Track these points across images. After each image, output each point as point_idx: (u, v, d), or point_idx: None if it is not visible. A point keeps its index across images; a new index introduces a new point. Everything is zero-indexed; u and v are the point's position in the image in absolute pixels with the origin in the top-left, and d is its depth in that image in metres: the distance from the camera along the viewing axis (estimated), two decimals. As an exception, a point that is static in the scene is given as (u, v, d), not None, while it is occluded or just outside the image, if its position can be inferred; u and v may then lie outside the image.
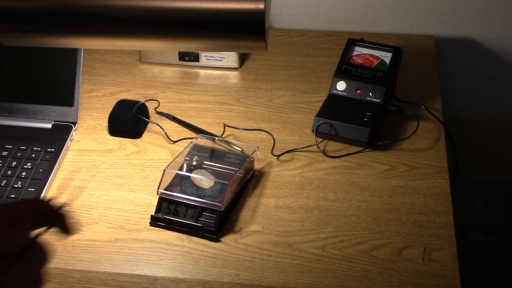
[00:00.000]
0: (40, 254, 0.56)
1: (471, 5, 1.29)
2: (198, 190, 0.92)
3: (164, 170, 0.92)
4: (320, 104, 1.09)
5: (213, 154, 0.99)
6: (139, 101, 1.10)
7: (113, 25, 0.74)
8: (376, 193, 0.96)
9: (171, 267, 0.86)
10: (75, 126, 1.08)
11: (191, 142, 1.01)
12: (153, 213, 0.92)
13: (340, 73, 1.10)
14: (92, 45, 0.80)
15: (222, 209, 0.89)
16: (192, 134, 1.07)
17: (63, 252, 0.89)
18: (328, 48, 1.28)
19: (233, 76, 1.22)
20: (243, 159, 0.97)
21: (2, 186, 0.96)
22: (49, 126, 1.07)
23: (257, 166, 1.00)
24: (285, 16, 1.35)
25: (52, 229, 0.58)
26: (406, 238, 0.89)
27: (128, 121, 1.07)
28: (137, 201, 0.96)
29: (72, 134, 1.07)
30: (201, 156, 0.98)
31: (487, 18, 1.30)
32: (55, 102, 1.08)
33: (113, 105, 1.10)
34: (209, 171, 0.95)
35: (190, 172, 0.95)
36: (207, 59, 1.23)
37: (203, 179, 0.93)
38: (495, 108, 1.44)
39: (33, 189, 0.96)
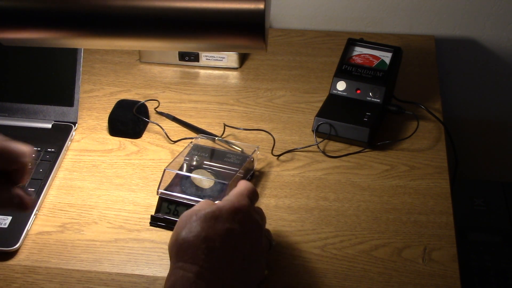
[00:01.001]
0: None
1: (471, 5, 1.29)
2: (198, 190, 0.92)
3: (164, 170, 0.92)
4: (320, 104, 1.09)
5: (213, 154, 0.99)
6: (139, 101, 1.10)
7: (113, 25, 0.74)
8: (376, 193, 0.96)
9: (171, 267, 0.86)
10: (75, 126, 1.08)
11: (191, 142, 1.01)
12: (153, 213, 0.92)
13: (340, 73, 1.10)
14: (92, 45, 0.80)
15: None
16: (192, 134, 1.07)
17: (63, 252, 0.89)
18: (328, 48, 1.28)
19: (233, 76, 1.22)
20: (243, 159, 0.97)
21: (2, 186, 0.96)
22: (49, 126, 1.07)
23: (257, 166, 1.00)
24: (285, 16, 1.35)
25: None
26: (406, 238, 0.89)
27: (128, 121, 1.07)
28: (137, 201, 0.96)
29: (72, 134, 1.07)
30: (201, 156, 0.98)
31: (487, 18, 1.30)
32: (55, 102, 1.08)
33: (113, 105, 1.10)
34: (209, 171, 0.95)
35: (190, 172, 0.95)
36: (207, 59, 1.23)
37: (203, 179, 0.93)
38: (495, 108, 1.44)
39: (33, 189, 0.96)
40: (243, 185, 0.81)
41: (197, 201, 0.90)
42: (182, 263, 0.72)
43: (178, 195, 0.91)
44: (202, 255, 0.72)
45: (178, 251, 0.73)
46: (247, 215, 0.78)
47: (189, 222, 0.74)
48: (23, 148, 0.71)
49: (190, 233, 0.73)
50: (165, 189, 0.92)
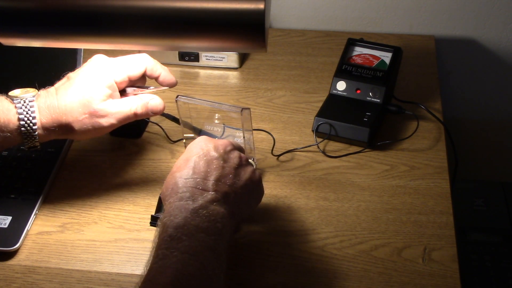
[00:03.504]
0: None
1: (471, 5, 1.29)
2: None
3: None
4: (320, 104, 1.09)
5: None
6: (139, 101, 1.10)
7: (113, 25, 0.74)
8: (376, 193, 0.96)
9: (171, 267, 0.86)
10: (75, 126, 1.07)
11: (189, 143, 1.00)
12: (153, 213, 0.92)
13: (340, 73, 1.10)
14: (92, 45, 0.80)
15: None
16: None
17: (63, 252, 0.89)
18: (328, 48, 1.28)
19: (233, 76, 1.22)
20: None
21: (2, 186, 0.96)
22: (49, 126, 1.07)
23: (257, 166, 1.00)
24: (285, 16, 1.35)
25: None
26: (406, 238, 0.89)
27: (128, 121, 1.07)
28: (137, 201, 0.96)
29: (72, 134, 1.06)
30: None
31: (487, 18, 1.30)
32: (55, 102, 1.08)
33: (113, 105, 1.10)
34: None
35: None
36: (207, 59, 1.23)
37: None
38: (495, 108, 1.44)
39: (33, 189, 0.96)
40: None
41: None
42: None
43: None
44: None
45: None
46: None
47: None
48: (139, 63, 0.91)
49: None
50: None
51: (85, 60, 1.15)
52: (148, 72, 0.92)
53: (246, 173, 0.83)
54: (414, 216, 0.93)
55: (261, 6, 0.69)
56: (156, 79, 0.93)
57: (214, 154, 0.81)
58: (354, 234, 0.90)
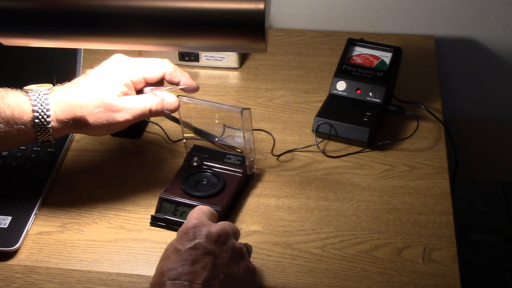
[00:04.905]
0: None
1: (471, 5, 1.29)
2: (198, 190, 0.92)
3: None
4: (320, 104, 1.09)
5: (213, 155, 0.99)
6: (139, 101, 1.10)
7: (113, 25, 0.74)
8: (376, 193, 0.96)
9: (171, 267, 0.86)
10: (75, 126, 1.07)
11: (189, 143, 1.00)
12: (153, 213, 0.92)
13: (340, 73, 1.10)
14: (92, 45, 0.80)
15: (221, 209, 0.89)
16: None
17: (63, 252, 0.89)
18: (328, 48, 1.28)
19: (233, 76, 1.22)
20: (243, 159, 0.97)
21: (2, 186, 0.96)
22: (49, 126, 1.07)
23: (257, 166, 1.00)
24: (285, 16, 1.36)
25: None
26: (406, 238, 0.89)
27: (128, 121, 1.07)
28: (137, 201, 0.96)
29: (72, 134, 1.06)
30: (201, 157, 0.98)
31: (487, 18, 1.30)
32: (55, 102, 1.08)
33: (113, 105, 1.09)
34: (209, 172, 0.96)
35: (189, 176, 0.95)
36: (207, 59, 1.23)
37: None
38: (495, 108, 1.44)
39: (33, 189, 0.96)
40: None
41: (198, 201, 0.90)
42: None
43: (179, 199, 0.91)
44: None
45: None
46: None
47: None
48: (157, 67, 0.89)
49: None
50: (166, 190, 0.92)
51: (85, 60, 1.16)
52: (167, 78, 0.91)
53: (239, 269, 0.75)
54: (414, 216, 0.93)
55: (261, 6, 0.69)
56: (177, 85, 0.92)
57: (206, 246, 0.73)
58: (354, 234, 0.90)
